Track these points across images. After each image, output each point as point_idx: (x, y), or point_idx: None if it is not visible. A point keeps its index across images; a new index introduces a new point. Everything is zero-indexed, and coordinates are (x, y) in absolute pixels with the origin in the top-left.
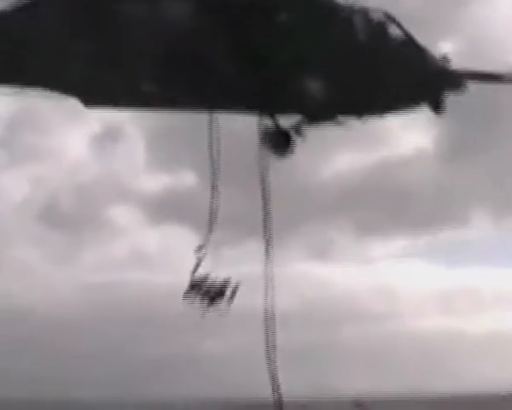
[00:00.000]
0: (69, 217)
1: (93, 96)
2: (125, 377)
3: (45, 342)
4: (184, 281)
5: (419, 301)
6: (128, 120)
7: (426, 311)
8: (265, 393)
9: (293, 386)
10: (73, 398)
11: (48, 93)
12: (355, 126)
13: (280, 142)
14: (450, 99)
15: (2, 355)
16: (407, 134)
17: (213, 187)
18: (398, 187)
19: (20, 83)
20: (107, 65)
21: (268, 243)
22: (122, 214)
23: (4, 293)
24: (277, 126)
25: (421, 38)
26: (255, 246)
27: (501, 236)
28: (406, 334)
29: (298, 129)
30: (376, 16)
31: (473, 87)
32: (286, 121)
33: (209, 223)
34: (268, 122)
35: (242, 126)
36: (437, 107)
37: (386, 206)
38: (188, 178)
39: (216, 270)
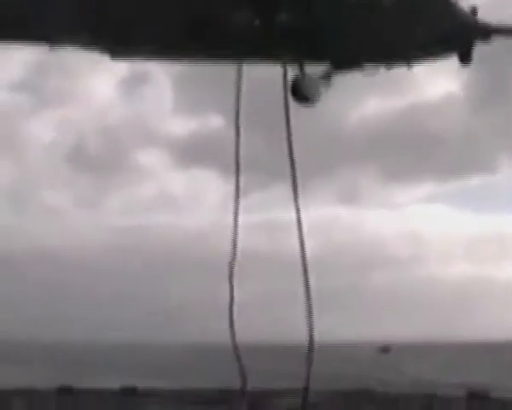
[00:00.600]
0: (97, 160)
1: (121, 48)
2: (150, 319)
3: (72, 284)
4: (210, 223)
5: (446, 246)
6: (155, 65)
7: (453, 257)
8: (291, 337)
9: (321, 330)
10: (99, 339)
11: (75, 47)
12: (382, 73)
13: (308, 90)
14: (481, 47)
15: (30, 296)
16: (435, 80)
17: (238, 131)
18: (426, 133)
19: (48, 38)
20: (135, 14)
21: (295, 188)
22: (149, 158)
23: (33, 235)
24: (306, 75)
25: None
26: (284, 191)
27: None
28: (434, 280)
29: (326, 77)
30: None
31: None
32: (314, 69)
33: (236, 168)
34: (296, 70)
35: (271, 75)
36: (464, 58)
37: (414, 151)
38: (214, 122)
39: (245, 215)
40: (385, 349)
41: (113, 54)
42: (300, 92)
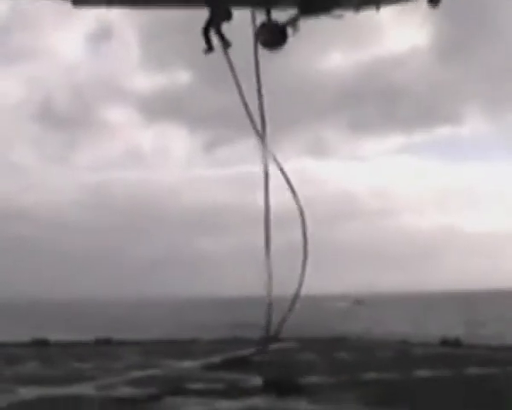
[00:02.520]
0: (64, 117)
1: None
2: (121, 276)
3: (43, 242)
4: (178, 177)
5: (414, 198)
6: (121, 19)
7: (421, 208)
8: (259, 291)
9: (290, 283)
10: (71, 298)
11: None
12: (349, 21)
13: (275, 35)
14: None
15: (1, 254)
16: (401, 31)
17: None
18: (392, 85)
19: None
20: None
21: (263, 140)
22: (117, 113)
23: (1, 193)
24: (273, 20)
25: None
26: (251, 144)
27: (494, 132)
28: (403, 231)
29: (293, 22)
30: None
31: None
32: (281, 15)
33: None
34: (263, 16)
35: (238, 21)
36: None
37: (380, 104)
38: (182, 77)
39: (213, 169)
40: (358, 301)
41: (74, 1)
42: (266, 38)
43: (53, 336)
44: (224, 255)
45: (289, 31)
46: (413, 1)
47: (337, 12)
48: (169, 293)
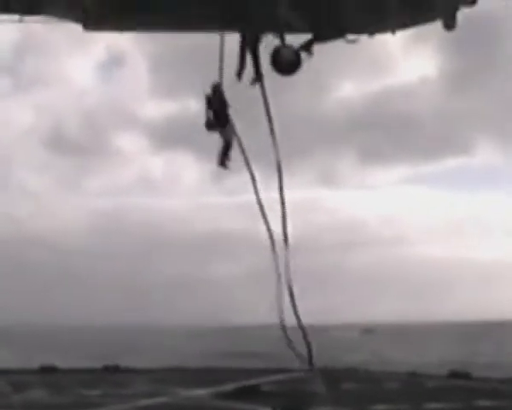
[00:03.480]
0: (75, 143)
1: (94, 18)
2: (131, 302)
3: (53, 267)
4: (188, 205)
5: (425, 227)
6: (132, 46)
7: (432, 237)
8: (270, 318)
9: (303, 310)
10: (81, 323)
11: (50, 18)
12: (360, 51)
13: (289, 60)
14: (457, 28)
15: (11, 280)
16: (412, 60)
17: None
18: (402, 115)
19: (23, 9)
20: None
21: (278, 170)
22: (127, 140)
23: (13, 218)
24: (286, 45)
25: None
26: (262, 173)
27: (506, 162)
28: (414, 260)
29: (307, 47)
30: None
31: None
32: (295, 39)
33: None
34: (277, 41)
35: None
36: (449, 22)
37: (390, 134)
38: (191, 105)
39: (222, 196)
40: (367, 331)
41: (85, 25)
42: (280, 62)
43: (62, 361)
44: (234, 282)
45: (303, 55)
46: (429, 24)
47: (351, 36)
48: (180, 319)
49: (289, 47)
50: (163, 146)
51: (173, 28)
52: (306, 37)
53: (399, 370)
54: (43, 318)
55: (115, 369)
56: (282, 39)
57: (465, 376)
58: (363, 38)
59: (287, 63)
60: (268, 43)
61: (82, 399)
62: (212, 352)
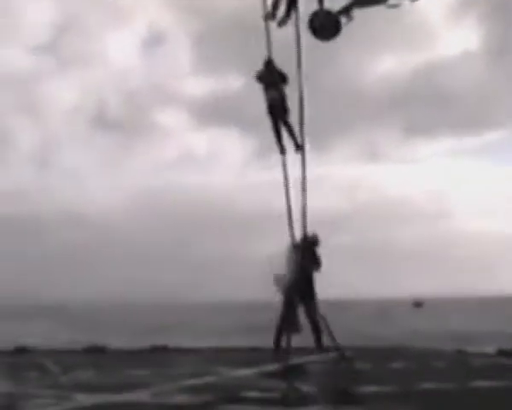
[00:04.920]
0: (118, 121)
1: None
2: (176, 280)
3: (96, 245)
4: (232, 182)
5: (469, 201)
6: (173, 24)
7: (476, 211)
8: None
9: (351, 285)
10: (128, 299)
11: None
12: (402, 25)
13: (328, 24)
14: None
15: (56, 259)
16: (454, 34)
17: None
18: (445, 87)
19: None
20: None
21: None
22: (170, 118)
23: (57, 197)
24: (326, 9)
25: None
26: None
27: None
28: (458, 234)
29: (346, 11)
30: None
31: None
32: (334, 3)
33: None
34: (316, 4)
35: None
36: None
37: (433, 107)
38: (234, 81)
39: (267, 172)
40: (417, 304)
41: None
42: (319, 27)
43: (107, 339)
44: (277, 259)
45: (343, 20)
46: None
47: (393, 1)
48: (222, 297)
49: (328, 10)
50: (206, 123)
51: None
52: (346, 1)
53: (447, 347)
54: (86, 295)
55: (163, 349)
56: (321, 2)
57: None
58: (406, 2)
59: (325, 27)
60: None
61: (130, 379)
62: (252, 326)
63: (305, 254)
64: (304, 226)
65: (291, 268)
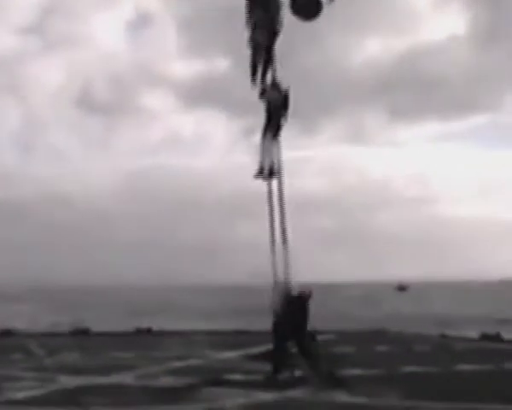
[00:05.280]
0: (104, 103)
1: None
2: (160, 262)
3: (81, 227)
4: (218, 163)
5: (454, 185)
6: (159, 6)
7: (460, 196)
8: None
9: (332, 269)
10: (109, 284)
11: None
12: (387, 9)
13: (309, 4)
14: None
15: (41, 241)
16: (439, 18)
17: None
18: (429, 72)
19: None
20: None
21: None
22: (156, 100)
23: (42, 179)
24: None
25: None
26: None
27: None
28: (442, 219)
29: None
30: None
31: None
32: None
33: None
34: None
35: None
36: None
37: (418, 91)
38: (220, 64)
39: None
40: (402, 288)
41: None
42: (301, 6)
43: (92, 322)
44: (263, 242)
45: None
46: None
47: None
48: (208, 280)
49: None
50: (192, 105)
51: None
52: None
53: (431, 330)
54: (71, 278)
55: (147, 331)
56: None
57: (495, 338)
58: None
59: (306, 7)
60: None
61: (115, 361)
62: (238, 309)
63: (296, 307)
64: (287, 282)
65: (278, 307)
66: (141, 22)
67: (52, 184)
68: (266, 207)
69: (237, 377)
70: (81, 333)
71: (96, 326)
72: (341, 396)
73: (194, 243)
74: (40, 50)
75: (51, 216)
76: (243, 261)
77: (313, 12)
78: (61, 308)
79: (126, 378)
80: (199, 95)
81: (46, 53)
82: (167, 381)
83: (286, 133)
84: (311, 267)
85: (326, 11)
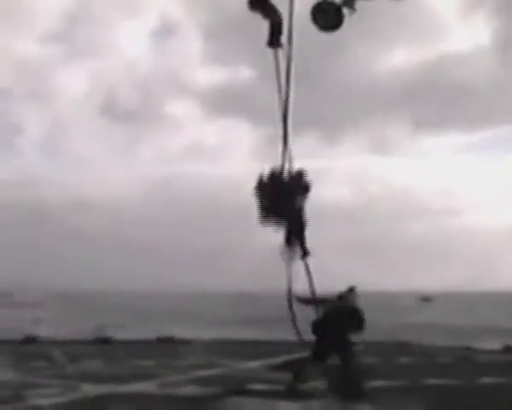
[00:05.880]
0: (128, 111)
1: None
2: (184, 269)
3: (106, 234)
4: (241, 172)
5: (478, 196)
6: (183, 14)
7: (485, 206)
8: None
9: (356, 278)
10: (133, 289)
11: None
12: (413, 19)
13: (331, 16)
14: None
15: (67, 247)
16: (465, 28)
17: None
18: (455, 82)
19: None
20: None
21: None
22: (180, 108)
23: (68, 185)
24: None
25: None
26: (313, 139)
27: None
28: (469, 230)
29: (350, 3)
30: None
31: None
32: None
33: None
34: None
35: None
36: None
37: (443, 100)
38: (243, 73)
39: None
40: (426, 298)
41: None
42: (322, 18)
43: (112, 328)
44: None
45: (346, 11)
46: None
47: None
48: (229, 285)
49: (331, 1)
50: (215, 113)
51: None
52: None
53: (455, 343)
54: (95, 283)
55: (169, 340)
56: None
57: None
58: None
59: (327, 18)
60: None
61: (137, 370)
62: (252, 317)
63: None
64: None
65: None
66: (165, 31)
67: (76, 190)
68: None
69: (260, 386)
70: (103, 341)
71: (117, 333)
72: (365, 408)
73: (212, 250)
74: (66, 58)
75: (74, 222)
76: (262, 269)
77: (335, 23)
78: (83, 314)
79: (149, 387)
80: (222, 103)
81: (72, 61)
82: (190, 390)
83: (310, 143)
84: (334, 277)
85: (348, 21)
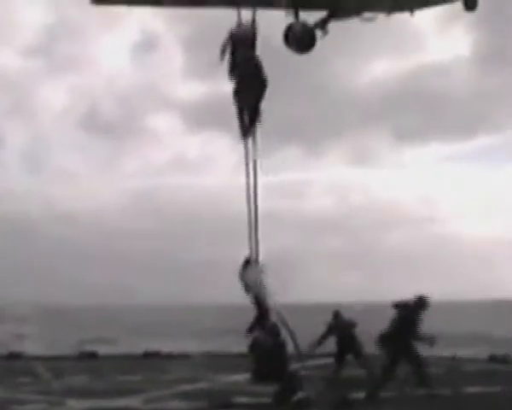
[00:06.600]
0: (110, 125)
1: None
2: (164, 282)
3: (88, 247)
4: (224, 185)
5: (459, 205)
6: (164, 27)
7: (467, 215)
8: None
9: (344, 290)
10: (119, 302)
11: None
12: (391, 30)
13: (304, 38)
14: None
15: (49, 260)
16: (444, 39)
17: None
18: (434, 93)
19: None
20: None
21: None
22: (162, 121)
23: (49, 198)
24: (301, 22)
25: None
26: (296, 152)
27: None
28: (450, 239)
29: (322, 24)
30: None
31: None
32: (310, 17)
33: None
34: (292, 18)
35: (267, 23)
36: (469, 2)
37: (423, 112)
38: (225, 85)
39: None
40: None
41: None
42: (295, 40)
43: (98, 343)
44: (266, 263)
45: (318, 32)
46: (448, 3)
47: (368, 15)
48: (214, 298)
49: (303, 24)
50: (197, 127)
51: (185, 3)
52: (322, 14)
53: (441, 352)
54: (76, 297)
55: (155, 355)
56: (297, 16)
57: (503, 360)
58: (381, 16)
59: (300, 40)
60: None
61: (123, 385)
62: (243, 329)
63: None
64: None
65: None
66: (146, 44)
67: (59, 203)
68: (272, 227)
69: (245, 399)
70: (89, 356)
71: (102, 348)
72: None
73: (196, 262)
74: (47, 72)
75: (56, 235)
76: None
77: (307, 45)
78: (68, 329)
79: (134, 402)
80: (204, 116)
81: (53, 74)
82: (175, 405)
83: (293, 154)
84: (318, 287)
85: (327, 36)
